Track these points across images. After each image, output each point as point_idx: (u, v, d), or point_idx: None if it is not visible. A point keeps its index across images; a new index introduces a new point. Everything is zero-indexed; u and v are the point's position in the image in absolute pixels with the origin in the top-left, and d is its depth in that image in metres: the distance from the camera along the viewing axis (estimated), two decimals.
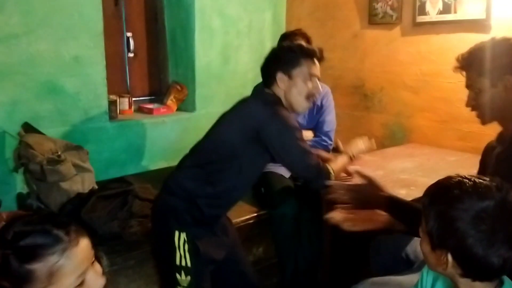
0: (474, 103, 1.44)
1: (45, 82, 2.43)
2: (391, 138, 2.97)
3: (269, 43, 3.26)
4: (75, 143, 2.34)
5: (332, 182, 1.68)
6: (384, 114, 3.00)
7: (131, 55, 3.05)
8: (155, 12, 3.17)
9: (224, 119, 1.75)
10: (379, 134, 3.04)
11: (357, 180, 1.60)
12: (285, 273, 2.29)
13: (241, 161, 1.66)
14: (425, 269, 1.16)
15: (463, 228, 0.93)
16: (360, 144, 1.98)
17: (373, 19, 2.96)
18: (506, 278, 1.00)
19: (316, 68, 1.77)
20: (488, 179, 0.98)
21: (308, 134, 2.51)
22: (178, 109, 3.12)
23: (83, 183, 2.24)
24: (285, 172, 2.45)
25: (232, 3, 3.13)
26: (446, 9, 2.58)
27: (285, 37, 2.52)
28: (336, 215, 1.51)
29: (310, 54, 1.75)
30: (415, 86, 2.79)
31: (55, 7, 2.41)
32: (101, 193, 2.13)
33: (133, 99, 3.04)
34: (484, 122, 1.46)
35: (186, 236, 1.62)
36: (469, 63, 1.42)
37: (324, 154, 2.04)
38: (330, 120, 2.53)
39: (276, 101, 1.73)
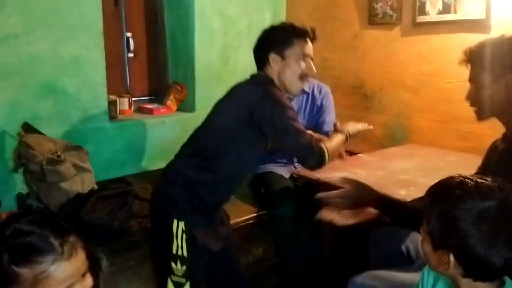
0: (474, 97, 1.44)
1: (44, 82, 2.43)
2: (391, 138, 2.97)
3: None
4: (75, 143, 2.34)
5: (322, 194, 1.63)
6: (384, 115, 3.00)
7: (131, 55, 3.05)
8: (155, 12, 3.17)
9: (219, 105, 1.76)
10: (379, 135, 3.04)
11: (346, 186, 1.59)
12: (285, 273, 2.29)
13: (238, 146, 1.66)
14: (425, 269, 1.16)
15: (465, 228, 0.94)
16: (357, 124, 1.94)
17: (373, 19, 2.96)
18: (507, 279, 1.00)
19: (309, 47, 1.76)
20: (490, 179, 0.98)
21: None
22: (178, 109, 3.12)
23: (83, 183, 2.24)
24: (285, 173, 2.46)
25: (232, 4, 3.13)
26: (446, 9, 2.58)
27: None
28: (327, 214, 1.56)
29: (302, 34, 1.74)
30: (415, 87, 2.79)
31: (54, 7, 2.40)
32: (100, 193, 2.13)
33: (133, 99, 3.04)
34: (480, 118, 1.47)
35: (184, 225, 1.62)
36: (476, 57, 1.42)
37: (318, 134, 2.02)
38: (330, 120, 2.53)
39: (268, 82, 1.71)
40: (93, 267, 1.85)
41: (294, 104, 2.55)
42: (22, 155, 2.17)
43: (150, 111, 3.02)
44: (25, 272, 0.86)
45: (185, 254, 1.63)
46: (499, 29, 2.41)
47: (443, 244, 0.98)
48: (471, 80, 1.45)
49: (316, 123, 2.55)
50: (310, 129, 2.51)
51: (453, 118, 2.58)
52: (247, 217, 2.25)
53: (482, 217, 0.93)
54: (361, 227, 1.56)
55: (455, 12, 2.55)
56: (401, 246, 1.69)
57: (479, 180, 0.98)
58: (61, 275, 0.89)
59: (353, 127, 1.90)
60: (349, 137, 1.85)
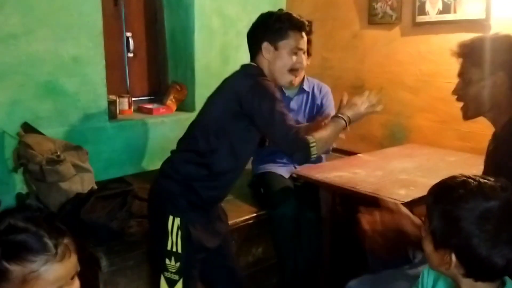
0: (461, 92, 1.45)
1: (44, 82, 2.43)
2: (391, 138, 2.96)
3: None
4: (75, 143, 2.34)
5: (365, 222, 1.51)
6: (384, 114, 2.99)
7: (130, 55, 3.05)
8: (154, 12, 3.17)
9: (210, 98, 1.75)
10: (379, 134, 3.04)
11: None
12: (284, 274, 2.29)
13: (230, 139, 1.65)
14: (425, 269, 1.16)
15: (468, 228, 0.93)
16: (359, 105, 1.73)
17: (372, 19, 2.96)
18: (507, 279, 1.00)
19: (303, 41, 1.73)
20: (492, 179, 0.98)
21: None
22: (178, 109, 3.12)
23: (83, 183, 2.24)
24: (285, 173, 2.46)
25: (231, 3, 3.13)
26: (445, 9, 2.58)
27: None
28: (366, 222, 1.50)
29: (298, 27, 1.71)
30: (415, 86, 2.79)
31: (54, 7, 2.40)
32: (100, 193, 2.13)
33: (133, 99, 3.04)
34: (466, 115, 1.48)
35: (180, 221, 1.61)
36: (467, 51, 1.42)
37: (314, 123, 1.93)
38: None
39: (258, 73, 1.69)
40: (93, 267, 1.86)
41: (294, 103, 2.55)
42: (21, 155, 2.17)
43: (149, 111, 3.02)
44: (15, 269, 0.85)
45: (179, 250, 1.62)
46: (499, 29, 2.40)
47: (445, 244, 0.98)
48: (460, 74, 1.46)
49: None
50: None
51: (453, 118, 2.58)
52: (247, 217, 2.24)
53: (485, 217, 0.93)
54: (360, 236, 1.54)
55: (455, 12, 2.55)
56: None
57: (481, 180, 0.97)
58: (51, 277, 0.88)
59: (355, 110, 1.72)
60: (349, 122, 1.70)
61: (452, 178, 1.02)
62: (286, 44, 1.68)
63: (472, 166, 1.57)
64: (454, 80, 1.50)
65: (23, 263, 0.85)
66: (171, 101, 3.09)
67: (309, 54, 2.49)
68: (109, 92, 2.75)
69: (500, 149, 1.39)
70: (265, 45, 1.68)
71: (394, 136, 2.95)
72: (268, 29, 1.69)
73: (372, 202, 1.93)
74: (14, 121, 2.33)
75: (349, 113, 1.70)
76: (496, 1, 2.40)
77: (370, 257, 1.81)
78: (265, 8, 3.29)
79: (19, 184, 2.38)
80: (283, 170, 2.47)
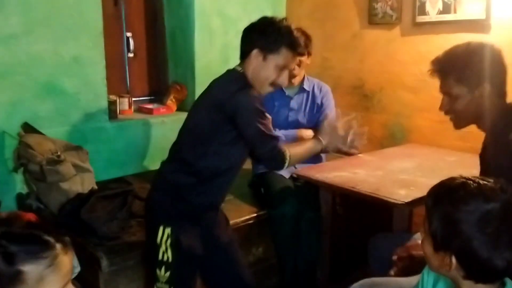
0: (448, 107, 1.48)
1: (44, 82, 2.43)
2: (391, 138, 2.97)
3: None
4: (75, 143, 2.34)
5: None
6: (384, 114, 3.00)
7: (130, 55, 3.05)
8: (154, 12, 3.17)
9: (195, 104, 1.75)
10: (379, 134, 3.04)
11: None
12: (284, 273, 2.30)
13: (214, 145, 1.64)
14: (425, 270, 1.15)
15: (468, 231, 0.93)
16: (340, 134, 1.77)
17: (372, 19, 2.96)
18: (507, 280, 1.00)
19: (293, 61, 1.72)
20: (491, 180, 0.97)
21: (308, 133, 2.51)
22: (178, 109, 3.12)
23: (83, 183, 2.24)
24: (285, 173, 2.46)
25: (231, 3, 3.13)
26: (446, 9, 2.59)
27: None
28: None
29: (293, 47, 1.66)
30: (415, 86, 2.79)
31: (54, 7, 2.40)
32: (100, 193, 2.13)
33: (133, 99, 3.04)
34: (458, 126, 1.52)
35: (171, 230, 1.61)
36: (447, 69, 1.43)
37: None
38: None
39: (241, 80, 1.67)
40: (93, 267, 1.86)
41: (294, 102, 2.56)
42: (22, 155, 2.17)
43: (150, 111, 3.02)
44: (29, 269, 0.85)
45: (170, 260, 1.62)
46: (499, 29, 2.42)
47: (445, 246, 0.97)
48: (444, 92, 1.48)
49: (316, 122, 2.55)
50: (310, 128, 2.53)
51: None
52: (247, 217, 2.25)
53: (485, 220, 0.92)
54: (361, 229, 1.55)
55: (455, 12, 2.55)
56: None
57: (481, 182, 0.97)
58: (62, 271, 0.89)
59: (335, 141, 1.78)
60: (325, 150, 1.79)
61: (451, 179, 1.01)
62: (275, 59, 1.65)
63: (471, 166, 1.57)
64: None
65: (37, 261, 0.86)
66: (171, 101, 3.09)
67: (309, 53, 2.50)
68: (110, 92, 2.75)
69: (489, 148, 1.45)
70: (255, 52, 1.65)
71: (394, 136, 2.95)
72: (263, 37, 1.65)
73: (372, 202, 1.94)
74: (15, 121, 2.33)
75: (326, 140, 1.77)
76: (496, 1, 2.40)
77: (371, 261, 1.81)
78: (265, 8, 3.34)
79: (19, 184, 2.38)
80: (284, 170, 2.47)
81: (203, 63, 3.07)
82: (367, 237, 1.91)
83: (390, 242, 1.71)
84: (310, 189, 2.26)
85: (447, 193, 0.99)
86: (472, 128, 1.83)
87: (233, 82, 1.66)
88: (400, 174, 2.15)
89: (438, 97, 1.52)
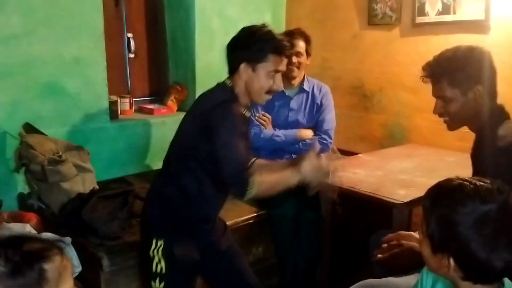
0: (442, 110, 1.52)
1: (45, 82, 2.44)
2: (390, 138, 2.98)
3: None
4: (76, 144, 2.35)
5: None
6: (383, 115, 3.01)
7: (131, 55, 3.06)
8: (155, 13, 3.18)
9: (184, 117, 1.73)
10: (378, 135, 3.05)
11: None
12: (284, 273, 2.31)
13: (198, 160, 1.62)
14: (424, 271, 1.15)
15: (465, 233, 0.93)
16: (321, 172, 1.63)
17: (372, 20, 2.97)
18: (506, 280, 1.00)
19: (283, 64, 1.67)
20: (488, 181, 0.97)
21: (308, 133, 2.53)
22: (179, 110, 3.13)
23: (84, 184, 2.25)
24: None
25: (232, 4, 3.14)
26: (445, 10, 2.59)
27: (285, 34, 2.52)
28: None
29: (279, 51, 1.63)
30: (414, 87, 2.80)
31: (55, 7, 2.41)
32: (101, 193, 2.14)
33: (134, 99, 3.05)
34: (452, 128, 1.57)
35: (164, 242, 1.60)
36: (440, 73, 1.48)
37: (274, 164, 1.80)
38: (330, 119, 2.54)
39: (228, 98, 1.62)
40: (94, 267, 1.87)
41: (294, 103, 2.57)
42: (23, 155, 2.18)
43: (150, 111, 3.03)
44: (49, 267, 0.86)
45: (163, 270, 1.61)
46: (498, 29, 2.43)
47: (443, 248, 0.97)
48: (437, 96, 1.52)
49: (316, 122, 2.56)
50: (310, 128, 2.55)
51: None
52: (247, 216, 2.25)
53: (482, 221, 0.92)
54: (361, 229, 1.55)
55: (454, 13, 2.56)
56: None
57: (478, 183, 0.96)
58: (70, 264, 0.92)
59: (316, 174, 1.61)
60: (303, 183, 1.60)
61: (448, 181, 1.01)
62: (264, 67, 1.62)
63: (470, 166, 1.58)
64: None
65: (52, 258, 0.87)
66: (172, 102, 3.10)
67: (308, 54, 2.51)
68: (110, 92, 2.75)
69: (479, 147, 1.51)
70: (243, 66, 1.63)
71: (394, 136, 2.96)
72: (248, 50, 1.62)
73: (372, 202, 1.95)
74: (16, 122, 2.34)
75: (306, 172, 1.59)
76: (495, 2, 2.41)
77: (372, 252, 1.82)
78: (265, 9, 3.35)
79: (20, 184, 2.39)
80: None
81: (204, 64, 3.08)
82: (367, 237, 1.92)
83: None
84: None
85: (444, 195, 0.99)
86: None
87: (219, 94, 1.65)
88: (400, 174, 2.16)
89: None
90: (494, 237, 0.92)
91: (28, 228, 1.86)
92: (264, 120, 2.53)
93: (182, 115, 3.03)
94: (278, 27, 3.36)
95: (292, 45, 1.69)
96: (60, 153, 2.21)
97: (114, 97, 2.83)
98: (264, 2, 3.33)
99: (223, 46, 3.29)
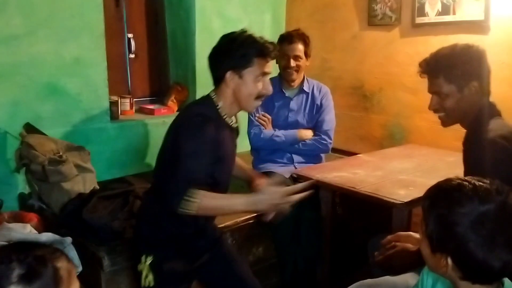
0: (438, 106, 1.56)
1: (46, 83, 2.45)
2: (390, 138, 2.98)
3: None
4: (77, 144, 2.35)
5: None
6: (383, 115, 3.02)
7: (132, 56, 3.07)
8: (155, 13, 3.19)
9: (167, 131, 1.68)
10: (378, 135, 3.06)
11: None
12: (284, 273, 2.31)
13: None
14: (425, 271, 1.16)
15: (463, 233, 0.93)
16: (273, 206, 1.56)
17: (372, 20, 2.97)
18: (506, 280, 1.00)
19: (269, 66, 1.63)
20: (487, 181, 0.98)
21: (308, 133, 2.53)
22: (179, 110, 3.13)
23: (85, 184, 2.25)
24: (285, 172, 2.47)
25: (232, 5, 3.14)
26: (445, 10, 2.60)
27: (283, 37, 2.54)
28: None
29: (263, 54, 1.59)
30: (414, 87, 2.81)
31: (56, 8, 2.42)
32: (102, 193, 2.15)
33: (134, 99, 3.06)
34: (446, 124, 1.60)
35: (153, 257, 1.59)
36: (437, 69, 1.51)
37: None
38: (329, 119, 2.54)
39: (207, 114, 1.57)
40: (95, 267, 1.87)
41: (294, 103, 2.57)
42: (24, 155, 2.19)
43: (151, 112, 3.03)
44: (61, 266, 0.87)
45: (151, 284, 1.59)
46: (497, 30, 2.43)
47: (441, 248, 0.98)
48: (433, 92, 1.56)
49: (315, 122, 2.56)
50: (310, 128, 2.55)
51: None
52: (247, 216, 2.26)
53: (480, 221, 0.93)
54: (361, 229, 1.56)
55: (454, 13, 2.57)
56: None
57: (477, 183, 0.97)
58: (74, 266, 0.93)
59: (270, 209, 1.57)
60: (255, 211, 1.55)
61: (448, 181, 1.01)
62: (251, 72, 1.58)
63: None
64: None
65: (61, 257, 0.88)
66: (172, 102, 3.11)
67: (308, 56, 2.51)
68: (111, 93, 2.76)
69: (468, 143, 1.53)
70: (229, 74, 1.59)
71: (394, 137, 2.97)
72: (231, 57, 1.58)
73: (372, 202, 1.95)
74: (16, 122, 2.34)
75: (258, 207, 1.56)
76: (495, 2, 2.41)
77: (371, 255, 1.82)
78: (265, 9, 3.36)
79: (21, 184, 2.40)
80: (283, 170, 2.49)
81: (204, 64, 3.02)
82: (366, 237, 1.92)
83: None
84: (310, 189, 2.27)
85: (442, 195, 0.99)
86: None
87: (199, 107, 1.63)
88: (400, 175, 2.17)
89: None
90: (491, 237, 0.92)
91: (28, 228, 1.86)
92: (264, 121, 2.53)
93: None
94: (278, 28, 3.37)
95: (275, 47, 1.63)
96: (61, 153, 2.21)
97: (114, 98, 2.84)
98: (264, 2, 3.34)
99: None
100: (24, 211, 2.16)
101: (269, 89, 1.65)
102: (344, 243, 2.38)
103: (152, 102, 3.22)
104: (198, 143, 1.52)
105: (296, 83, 2.55)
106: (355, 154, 2.75)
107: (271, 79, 2.64)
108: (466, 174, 1.40)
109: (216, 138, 1.56)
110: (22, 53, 2.35)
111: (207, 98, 1.66)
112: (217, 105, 1.62)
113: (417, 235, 1.50)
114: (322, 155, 2.60)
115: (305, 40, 2.49)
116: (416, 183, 2.01)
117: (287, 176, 2.46)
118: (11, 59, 2.32)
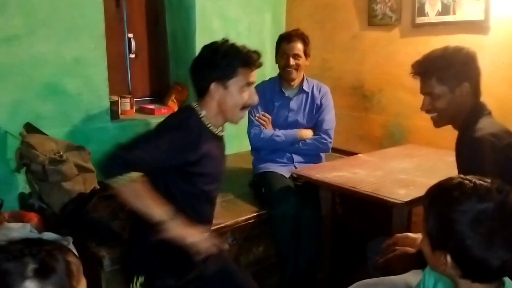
0: (430, 107, 1.59)
1: (46, 83, 2.45)
2: (390, 138, 2.98)
3: (269, 44, 3.28)
4: (77, 143, 2.35)
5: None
6: (383, 115, 3.02)
7: (132, 56, 3.07)
8: (156, 13, 3.19)
9: None
10: (378, 135, 3.06)
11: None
12: (285, 273, 2.31)
13: (166, 180, 1.57)
14: (427, 270, 1.16)
15: (462, 230, 0.94)
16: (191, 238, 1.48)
17: (372, 20, 2.98)
18: (507, 279, 1.01)
19: (253, 75, 1.61)
20: (489, 180, 0.98)
21: (308, 133, 2.53)
22: None
23: (85, 183, 2.25)
24: (285, 172, 2.47)
25: (232, 5, 3.15)
26: (445, 10, 2.60)
27: (282, 37, 2.55)
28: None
29: (248, 63, 1.57)
30: (414, 87, 2.75)
31: (56, 8, 2.42)
32: (102, 193, 2.14)
33: (134, 99, 3.06)
34: (438, 125, 1.64)
35: (145, 277, 1.58)
36: (430, 70, 1.55)
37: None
38: (329, 118, 2.55)
39: (184, 116, 1.59)
40: (95, 266, 1.88)
41: (294, 103, 2.57)
42: (24, 155, 2.19)
43: (151, 112, 3.04)
44: (73, 260, 0.88)
45: None
46: (497, 30, 2.44)
47: (441, 246, 0.98)
48: (425, 92, 1.59)
49: (315, 122, 2.57)
50: (310, 128, 2.55)
51: None
52: (248, 216, 2.26)
53: (478, 219, 0.93)
54: (361, 229, 1.56)
55: (454, 13, 2.57)
56: None
57: (477, 182, 0.97)
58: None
59: (180, 236, 1.46)
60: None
61: (449, 179, 1.02)
62: (236, 82, 1.56)
63: None
64: None
65: (69, 252, 0.89)
66: (172, 102, 3.11)
67: (307, 55, 2.52)
68: (111, 92, 2.77)
69: (459, 143, 1.57)
70: (213, 85, 1.56)
71: (394, 137, 2.97)
72: (215, 68, 1.56)
73: (372, 202, 1.95)
74: (17, 122, 2.35)
75: (175, 228, 1.46)
76: (495, 2, 2.41)
77: (370, 258, 1.83)
78: (266, 10, 3.36)
79: (21, 184, 2.40)
80: (283, 170, 2.49)
81: None
82: (367, 236, 1.92)
83: None
84: (310, 189, 2.28)
85: (442, 193, 1.00)
86: None
87: (177, 113, 1.63)
88: (400, 174, 2.17)
89: None
90: (490, 235, 0.93)
91: (29, 228, 1.86)
92: (264, 121, 2.54)
93: None
94: (278, 28, 3.38)
95: (259, 55, 1.62)
96: (61, 153, 2.22)
97: (115, 97, 2.84)
98: (264, 3, 3.34)
99: None
100: (25, 211, 2.17)
101: (255, 99, 1.63)
102: (344, 243, 2.38)
103: (152, 102, 3.22)
104: (164, 136, 1.51)
105: (295, 83, 2.55)
106: (355, 154, 2.75)
107: (271, 79, 2.69)
108: (459, 174, 1.41)
109: (192, 144, 1.52)
110: (22, 53, 2.35)
111: (188, 108, 1.64)
112: (200, 114, 1.60)
113: (414, 235, 1.51)
114: (322, 155, 2.61)
115: (304, 40, 2.49)
116: (416, 183, 2.01)
117: (287, 175, 2.46)
118: (12, 59, 2.32)
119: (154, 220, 1.44)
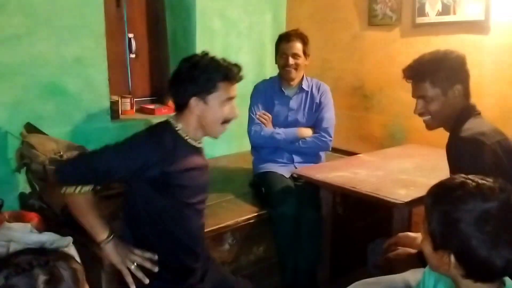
0: (423, 110, 1.63)
1: (47, 82, 2.45)
2: (390, 138, 2.98)
3: (270, 45, 3.28)
4: (77, 143, 2.35)
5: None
6: (383, 115, 3.02)
7: (132, 56, 3.08)
8: (156, 13, 3.19)
9: None
10: (378, 135, 3.06)
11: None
12: (285, 273, 2.31)
13: (142, 204, 1.56)
14: (427, 271, 1.16)
15: (467, 230, 0.93)
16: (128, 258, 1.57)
17: (372, 20, 2.98)
18: (507, 279, 1.00)
19: (233, 89, 1.58)
20: (491, 180, 0.98)
21: (308, 131, 2.53)
22: None
23: None
24: (286, 172, 2.47)
25: (232, 5, 3.15)
26: (445, 10, 2.60)
27: (282, 37, 2.55)
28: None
29: (228, 77, 1.55)
30: None
31: (57, 8, 2.42)
32: (103, 193, 2.14)
33: (135, 99, 3.07)
34: (431, 127, 1.68)
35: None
36: (423, 74, 1.59)
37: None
38: (329, 117, 2.55)
39: (159, 131, 1.58)
40: (96, 266, 1.88)
41: (294, 102, 2.58)
42: (24, 155, 2.19)
43: (151, 112, 3.04)
44: (78, 267, 0.88)
45: None
46: (498, 30, 2.44)
47: (444, 245, 0.98)
48: (418, 96, 1.63)
49: (315, 120, 2.57)
50: (309, 127, 2.55)
51: None
52: (248, 216, 2.26)
53: (483, 219, 0.93)
54: (361, 229, 1.56)
55: (454, 13, 2.57)
56: None
57: (480, 181, 0.97)
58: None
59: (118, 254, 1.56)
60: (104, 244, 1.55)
61: (451, 179, 1.02)
62: (216, 97, 1.54)
63: None
64: None
65: (73, 259, 0.90)
66: (172, 102, 3.11)
67: (306, 55, 2.52)
68: (112, 92, 2.77)
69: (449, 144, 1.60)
70: (193, 100, 1.53)
71: (394, 137, 2.97)
72: (195, 83, 1.52)
73: (372, 202, 1.95)
74: (17, 122, 2.34)
75: (115, 249, 1.56)
76: (495, 3, 2.41)
77: (369, 259, 1.83)
78: (266, 10, 3.36)
79: (22, 184, 2.39)
80: (284, 170, 2.49)
81: None
82: (367, 237, 1.92)
83: None
84: (311, 189, 2.28)
85: (446, 193, 1.00)
86: None
87: (151, 128, 1.62)
88: (400, 174, 2.17)
89: None
90: (495, 234, 0.93)
91: (29, 228, 1.86)
92: (265, 119, 2.54)
93: None
94: (279, 28, 3.38)
95: (239, 69, 1.60)
96: (62, 153, 2.21)
97: (115, 97, 2.84)
98: (264, 3, 3.34)
99: (224, 47, 3.32)
100: (25, 211, 2.16)
101: (236, 113, 1.60)
102: (345, 243, 2.38)
103: (152, 102, 3.22)
104: (128, 148, 1.52)
105: (295, 82, 2.55)
106: (356, 154, 2.75)
107: (271, 78, 2.69)
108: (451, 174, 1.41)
109: (167, 154, 1.51)
110: (22, 53, 2.35)
111: (163, 122, 1.62)
112: (176, 127, 1.58)
113: (414, 235, 1.51)
114: (322, 155, 2.61)
115: (303, 39, 2.50)
116: (417, 183, 2.01)
117: (288, 175, 2.46)
118: (12, 59, 2.32)
119: (92, 237, 1.49)
